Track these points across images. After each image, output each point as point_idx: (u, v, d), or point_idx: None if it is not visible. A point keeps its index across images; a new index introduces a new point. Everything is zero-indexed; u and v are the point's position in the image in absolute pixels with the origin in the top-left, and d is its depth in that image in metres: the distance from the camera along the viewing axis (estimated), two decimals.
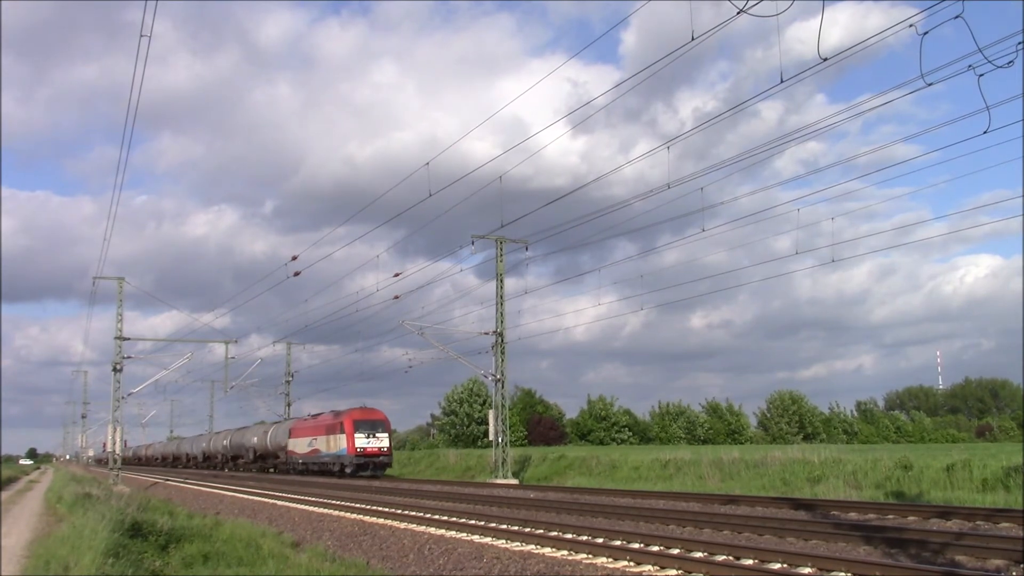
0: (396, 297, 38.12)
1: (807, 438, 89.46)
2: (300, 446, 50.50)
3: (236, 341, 48.56)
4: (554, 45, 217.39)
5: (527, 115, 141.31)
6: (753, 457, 30.39)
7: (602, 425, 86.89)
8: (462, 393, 79.07)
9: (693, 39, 13.82)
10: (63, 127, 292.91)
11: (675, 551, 11.98)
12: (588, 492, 26.15)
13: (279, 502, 25.41)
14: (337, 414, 46.79)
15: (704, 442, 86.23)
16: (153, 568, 12.64)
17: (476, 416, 76.16)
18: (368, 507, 21.35)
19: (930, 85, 13.72)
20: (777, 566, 10.49)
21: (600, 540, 13.23)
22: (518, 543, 13.53)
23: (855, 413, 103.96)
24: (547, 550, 12.62)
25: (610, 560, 11.63)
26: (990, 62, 11.54)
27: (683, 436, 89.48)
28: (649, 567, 10.94)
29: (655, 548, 12.33)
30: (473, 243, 35.39)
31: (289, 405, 62.45)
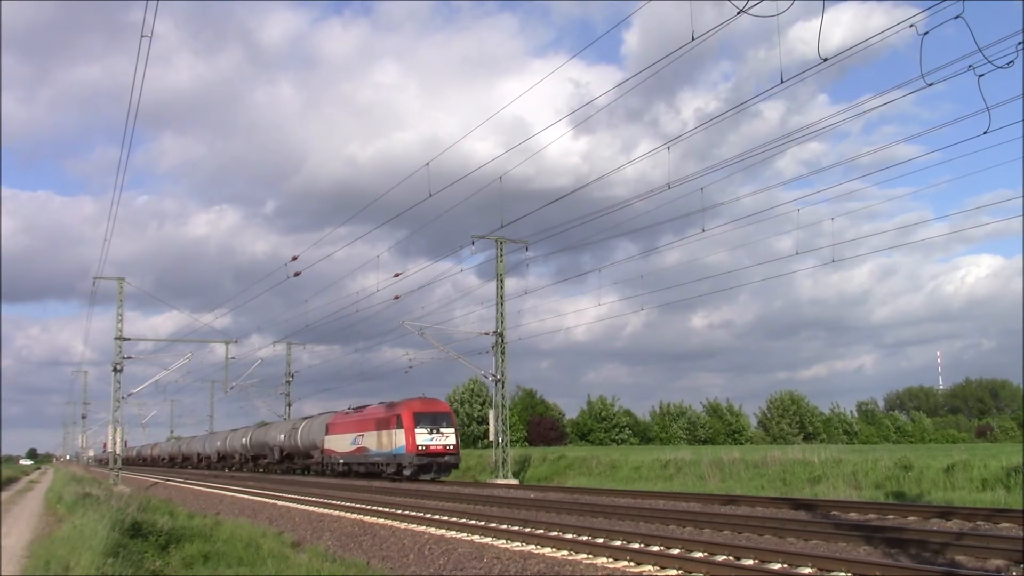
0: (396, 297, 38.13)
1: (807, 438, 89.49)
2: (340, 444, 44.25)
3: (236, 341, 48.60)
4: (556, 45, 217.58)
5: (529, 116, 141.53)
6: (753, 457, 30.40)
7: (602, 425, 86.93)
8: (463, 393, 79.10)
9: (693, 39, 13.82)
10: (65, 127, 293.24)
11: (675, 551, 11.98)
12: (588, 492, 26.14)
13: (279, 502, 25.41)
14: (391, 406, 39.91)
15: (704, 442, 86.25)
16: (153, 568, 12.64)
17: (476, 416, 76.18)
18: (368, 507, 21.35)
19: (930, 85, 13.72)
20: (777, 566, 10.49)
21: (600, 540, 13.23)
22: (518, 543, 13.53)
23: (855, 413, 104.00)
24: (547, 550, 12.62)
25: (610, 560, 11.63)
26: (990, 62, 11.53)
27: (683, 436, 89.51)
28: (649, 567, 10.94)
29: (655, 548, 12.33)
30: (473, 243, 35.41)
31: (289, 405, 62.45)
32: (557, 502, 20.71)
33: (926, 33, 11.92)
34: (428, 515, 18.54)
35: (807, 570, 10.15)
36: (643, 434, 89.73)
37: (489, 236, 35.88)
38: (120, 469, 41.86)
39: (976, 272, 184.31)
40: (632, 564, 11.21)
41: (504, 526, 15.63)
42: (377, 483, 36.92)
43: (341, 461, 44.19)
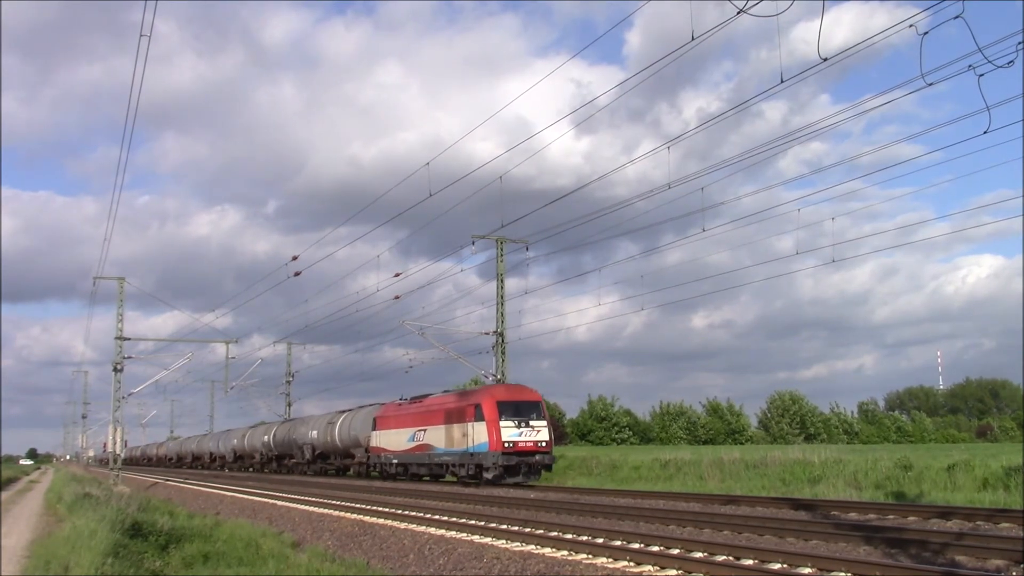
0: (396, 297, 38.12)
1: (808, 438, 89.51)
2: (393, 441, 37.46)
3: (236, 341, 48.61)
4: (559, 46, 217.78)
5: (532, 116, 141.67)
6: (753, 457, 30.40)
7: (602, 425, 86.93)
8: None
9: (693, 39, 13.82)
10: (66, 127, 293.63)
11: (675, 551, 11.97)
12: (588, 492, 26.14)
13: (279, 502, 25.41)
14: (466, 394, 34.25)
15: (705, 442, 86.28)
16: (153, 568, 12.65)
17: None
18: (368, 507, 21.35)
19: (930, 85, 13.72)
20: (777, 566, 10.49)
21: (600, 540, 13.22)
22: (518, 543, 13.53)
23: (855, 413, 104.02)
24: (547, 550, 12.61)
25: (610, 560, 11.63)
26: (990, 62, 11.53)
27: (683, 436, 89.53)
28: (649, 567, 10.94)
29: (655, 548, 12.33)
30: (473, 243, 35.39)
31: (290, 405, 62.43)
32: (557, 502, 20.71)
33: (926, 33, 11.92)
34: (428, 515, 18.54)
35: (807, 570, 10.15)
36: (643, 434, 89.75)
37: (489, 236, 35.90)
38: (120, 469, 41.85)
39: (977, 272, 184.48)
40: (632, 564, 11.21)
41: (504, 526, 15.63)
42: (377, 483, 36.82)
43: (394, 461, 37.23)
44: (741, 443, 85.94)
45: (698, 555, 11.53)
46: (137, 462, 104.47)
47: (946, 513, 15.43)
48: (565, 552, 12.41)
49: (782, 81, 14.88)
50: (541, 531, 14.79)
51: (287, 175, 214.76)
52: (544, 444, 30.49)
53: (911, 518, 15.26)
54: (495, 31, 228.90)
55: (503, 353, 36.58)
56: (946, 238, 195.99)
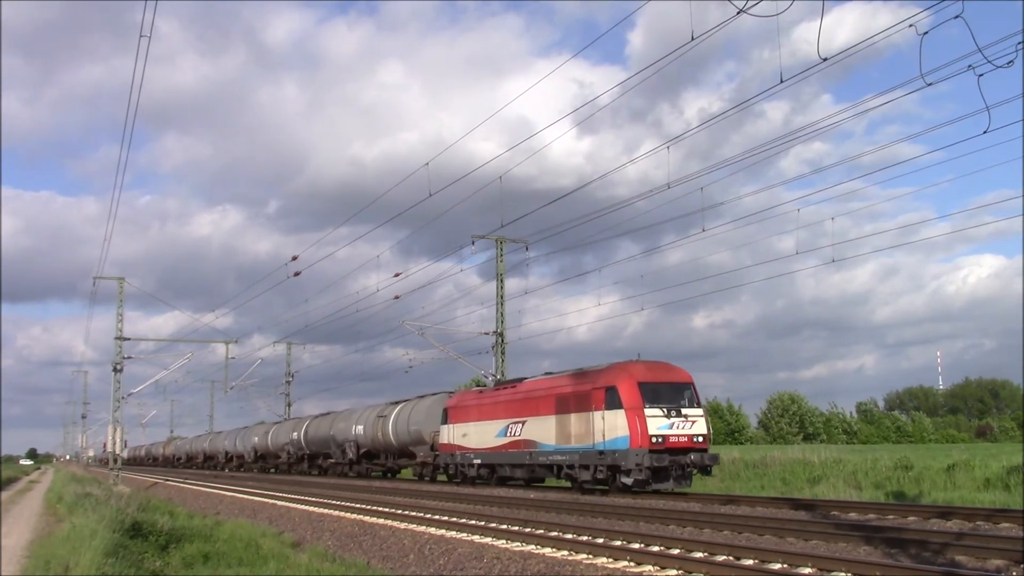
0: (396, 297, 38.08)
1: (807, 438, 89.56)
2: (475, 436, 30.25)
3: (236, 341, 48.59)
4: (561, 46, 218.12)
5: (534, 117, 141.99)
6: (753, 457, 30.42)
7: None
8: None
9: (693, 39, 13.83)
10: (68, 127, 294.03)
11: (675, 551, 11.97)
12: (588, 492, 26.13)
13: (279, 502, 25.41)
14: (586, 375, 25.26)
15: None
16: (153, 568, 12.65)
17: None
18: (368, 507, 21.36)
19: (930, 85, 13.72)
20: (777, 566, 10.49)
21: (600, 540, 13.22)
22: (518, 543, 13.52)
23: (855, 413, 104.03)
24: (547, 550, 12.61)
25: (610, 560, 11.63)
26: (990, 62, 11.54)
27: None
28: (649, 567, 10.94)
29: (655, 548, 12.32)
30: (473, 243, 35.37)
31: (289, 405, 62.45)
32: (557, 502, 20.70)
33: (926, 33, 11.93)
34: (428, 515, 18.54)
35: (807, 570, 10.15)
36: None
37: (489, 236, 35.91)
38: (120, 469, 41.84)
39: (978, 272, 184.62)
40: (632, 564, 11.21)
41: (504, 526, 15.62)
42: (377, 483, 36.63)
43: (476, 462, 30.01)
44: (741, 443, 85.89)
45: (698, 555, 11.52)
46: (141, 462, 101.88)
47: (946, 513, 15.43)
48: (565, 552, 12.41)
49: (782, 81, 14.89)
50: (541, 531, 14.79)
51: (288, 175, 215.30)
52: (701, 439, 23.20)
53: (911, 518, 15.26)
54: (497, 31, 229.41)
55: (503, 353, 36.59)
56: (947, 238, 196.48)
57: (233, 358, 50.70)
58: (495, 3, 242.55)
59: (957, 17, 11.56)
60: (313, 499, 25.32)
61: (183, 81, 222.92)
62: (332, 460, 44.19)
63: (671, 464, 22.45)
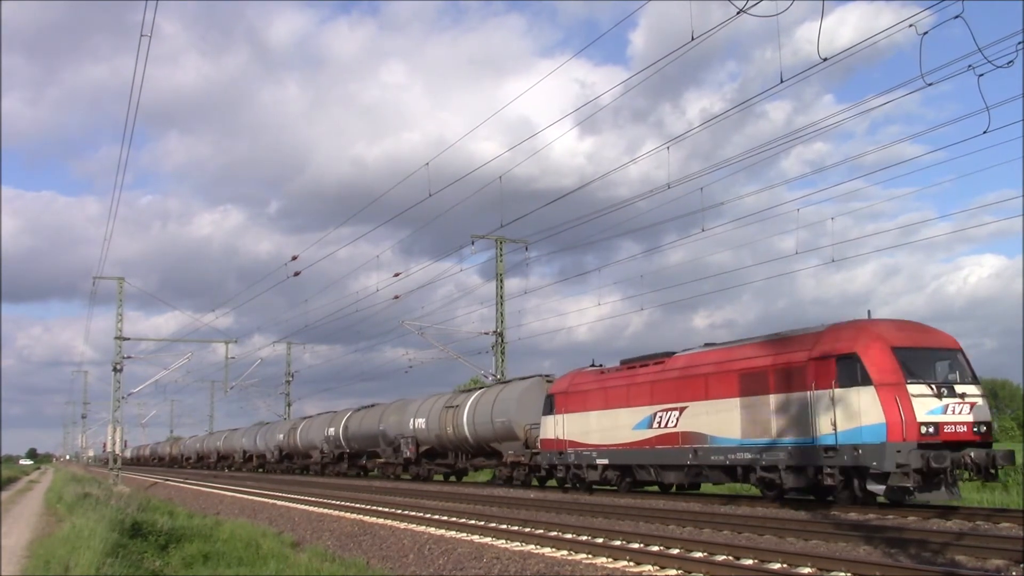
0: (396, 297, 38.06)
1: None
2: (599, 429, 23.51)
3: (236, 341, 48.57)
4: (563, 46, 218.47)
5: (536, 117, 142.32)
6: None
7: None
8: None
9: (693, 39, 13.83)
10: (70, 127, 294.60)
11: (675, 551, 11.97)
12: (588, 492, 26.13)
13: (279, 502, 25.41)
14: (787, 340, 18.75)
15: None
16: (153, 568, 12.66)
17: None
18: (368, 507, 21.36)
19: (930, 85, 13.72)
20: (777, 566, 10.49)
21: (600, 540, 13.22)
22: (518, 543, 13.53)
23: None
24: (547, 550, 12.62)
25: (610, 560, 11.63)
26: (990, 62, 11.56)
27: None
28: (649, 567, 10.95)
29: (655, 548, 12.33)
30: (473, 243, 35.36)
31: (289, 405, 62.51)
32: (557, 502, 20.70)
33: (926, 33, 11.93)
34: (428, 515, 18.54)
35: (807, 570, 10.15)
36: None
37: (489, 236, 35.92)
38: (120, 469, 41.84)
39: (979, 272, 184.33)
40: (632, 564, 11.22)
41: (504, 526, 15.63)
42: (385, 484, 36.46)
43: (601, 461, 23.28)
44: None
45: (698, 555, 11.53)
46: (146, 462, 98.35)
47: (946, 513, 15.42)
48: (565, 552, 12.42)
49: (782, 81, 14.89)
50: (541, 531, 14.79)
51: (290, 175, 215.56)
52: (984, 428, 16.70)
53: (911, 518, 15.25)
54: (500, 31, 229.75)
55: (503, 353, 36.59)
56: (947, 238, 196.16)
57: (233, 358, 50.72)
58: (497, 3, 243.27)
59: (957, 17, 11.58)
60: (313, 499, 25.32)
61: (185, 81, 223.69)
62: (382, 460, 38.18)
63: (949, 462, 15.73)
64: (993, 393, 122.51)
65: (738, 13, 11.57)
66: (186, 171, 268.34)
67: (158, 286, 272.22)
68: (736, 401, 19.13)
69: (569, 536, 13.98)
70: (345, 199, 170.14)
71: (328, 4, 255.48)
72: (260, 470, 56.76)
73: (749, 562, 10.96)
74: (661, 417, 21.20)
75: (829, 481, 16.98)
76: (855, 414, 16.39)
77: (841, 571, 9.88)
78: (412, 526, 16.58)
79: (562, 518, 17.35)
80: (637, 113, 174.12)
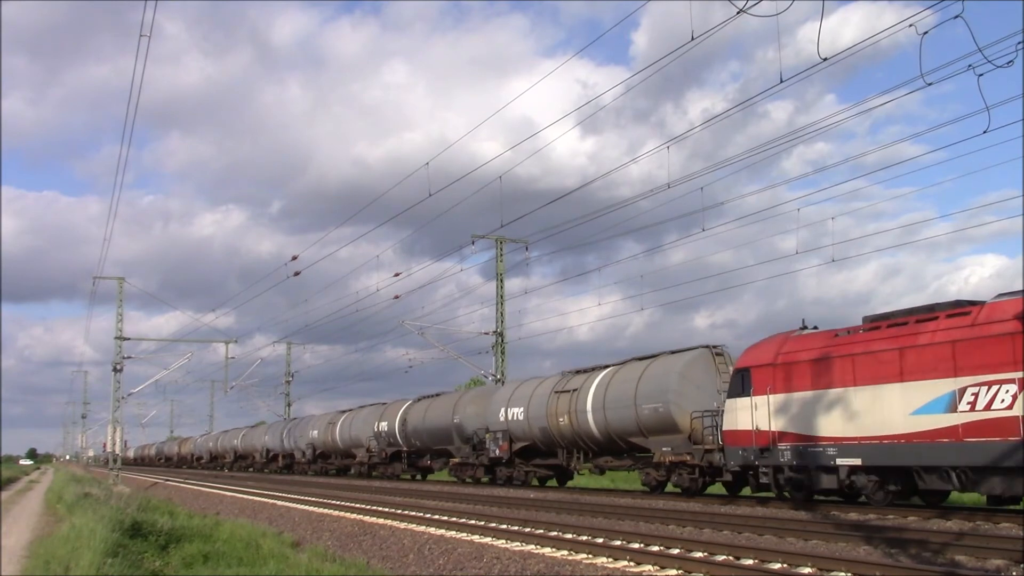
0: (396, 297, 38.06)
1: None
2: (841, 415, 16.72)
3: (236, 341, 48.59)
4: (566, 46, 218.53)
5: (539, 117, 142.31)
6: None
7: None
8: None
9: (693, 39, 13.83)
10: (73, 128, 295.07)
11: (675, 551, 11.98)
12: (588, 492, 26.14)
13: (279, 502, 25.41)
14: None
15: None
16: (153, 568, 12.66)
17: None
18: (368, 507, 21.36)
19: (930, 84, 13.71)
20: (777, 566, 10.49)
21: (600, 540, 13.22)
22: (518, 543, 13.53)
23: None
24: (547, 550, 12.62)
25: (610, 560, 11.63)
26: (990, 62, 11.56)
27: None
28: (649, 567, 10.95)
29: (655, 548, 12.33)
30: (474, 243, 35.38)
31: (289, 405, 62.52)
32: (557, 502, 20.70)
33: (926, 33, 11.93)
34: (428, 515, 18.55)
35: (807, 570, 10.15)
36: None
37: (489, 236, 35.92)
38: (119, 469, 41.83)
39: (980, 272, 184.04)
40: (632, 564, 11.22)
41: (504, 526, 15.63)
42: (376, 483, 36.43)
43: (846, 462, 16.70)
44: None
45: (698, 555, 11.53)
46: (151, 462, 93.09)
47: (946, 513, 15.41)
48: (565, 552, 12.41)
49: (782, 81, 14.89)
50: (541, 531, 14.79)
51: (292, 175, 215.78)
52: None
53: (911, 518, 15.25)
54: (502, 31, 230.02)
55: (503, 353, 36.59)
56: (948, 238, 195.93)
57: (233, 358, 50.73)
58: (500, 3, 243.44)
59: (957, 17, 11.58)
60: (313, 499, 25.32)
61: (188, 81, 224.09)
62: (457, 460, 32.01)
63: None
64: None
65: (738, 13, 11.57)
66: (188, 171, 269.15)
67: (159, 286, 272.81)
68: None
69: (569, 536, 13.98)
70: (347, 199, 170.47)
71: (331, 4, 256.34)
72: (284, 471, 51.60)
73: (749, 562, 10.96)
74: (976, 395, 14.49)
75: None
76: None
77: (841, 571, 9.88)
78: (412, 526, 16.58)
79: (562, 518, 17.35)
80: (639, 113, 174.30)
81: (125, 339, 41.46)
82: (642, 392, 22.44)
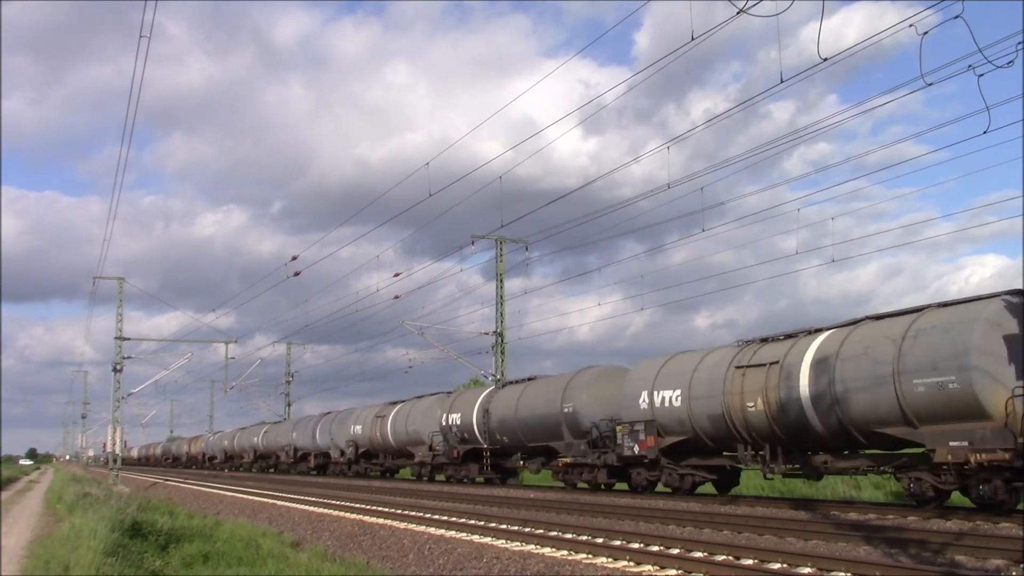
0: (396, 297, 38.05)
1: None
2: None
3: (236, 341, 48.59)
4: (568, 46, 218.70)
5: (541, 118, 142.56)
6: None
7: None
8: None
9: (693, 39, 13.84)
10: (75, 128, 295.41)
11: (675, 551, 11.98)
12: (588, 492, 26.13)
13: (279, 502, 25.40)
14: None
15: None
16: (153, 568, 12.67)
17: None
18: (368, 507, 21.36)
19: (930, 84, 13.72)
20: (777, 566, 10.49)
21: (600, 540, 13.22)
22: (518, 543, 13.53)
23: None
24: (547, 550, 12.62)
25: (610, 560, 11.63)
26: (990, 62, 11.56)
27: None
28: (649, 567, 10.94)
29: (655, 548, 12.33)
30: (473, 243, 35.39)
31: (289, 405, 62.50)
32: (557, 502, 20.70)
33: (926, 33, 11.93)
34: (428, 515, 18.55)
35: (807, 570, 10.15)
36: None
37: (489, 236, 35.92)
38: (119, 469, 41.82)
39: (981, 272, 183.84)
40: (632, 564, 11.22)
41: (504, 526, 15.63)
42: (377, 483, 36.45)
43: None
44: None
45: (698, 555, 11.53)
46: (157, 462, 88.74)
47: (946, 513, 15.41)
48: (565, 552, 12.41)
49: (782, 81, 14.89)
50: (541, 531, 14.79)
51: (294, 175, 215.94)
52: None
53: (911, 518, 15.24)
54: (504, 31, 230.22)
55: (503, 353, 36.60)
56: (950, 238, 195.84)
57: (233, 358, 50.72)
58: (502, 3, 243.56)
59: (957, 17, 11.58)
60: (313, 499, 25.32)
61: (190, 81, 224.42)
62: (567, 459, 25.18)
63: None
64: None
65: (738, 13, 11.57)
66: (189, 171, 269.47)
67: (160, 286, 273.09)
68: None
69: (569, 536, 13.97)
70: (348, 199, 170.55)
71: (333, 4, 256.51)
72: (315, 472, 46.20)
73: (749, 562, 10.96)
74: None
75: None
76: None
77: (841, 571, 9.88)
78: (412, 526, 16.57)
79: (562, 518, 17.35)
80: (641, 114, 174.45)
81: (125, 339, 41.46)
82: (912, 359, 15.32)
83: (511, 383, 30.30)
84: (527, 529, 15.12)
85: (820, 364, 17.06)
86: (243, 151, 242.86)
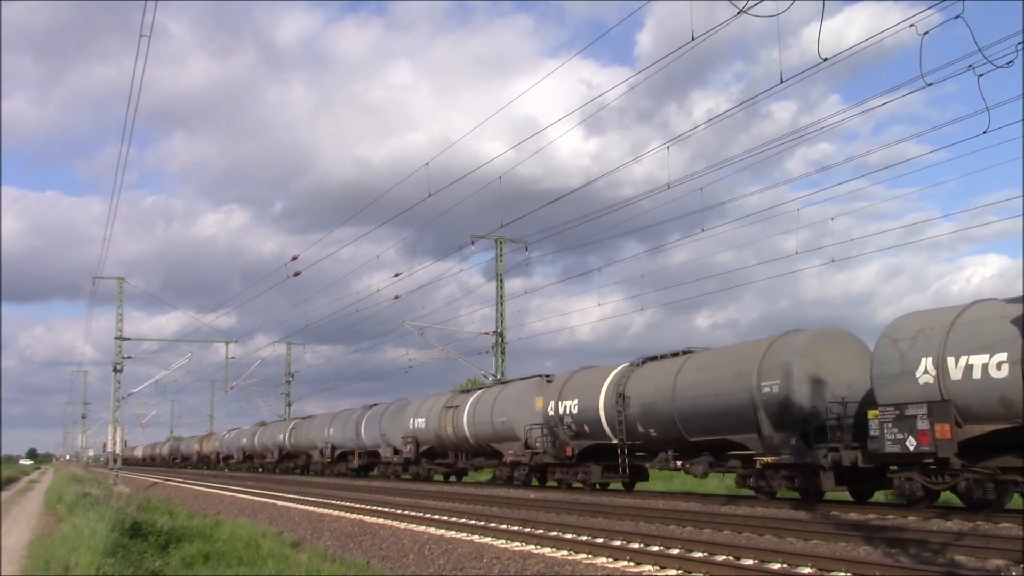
0: (396, 297, 38.06)
1: None
2: None
3: (236, 341, 48.61)
4: (570, 46, 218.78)
5: (543, 118, 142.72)
6: None
7: None
8: None
9: (693, 39, 13.84)
10: (76, 128, 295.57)
11: (675, 551, 11.97)
12: (588, 492, 26.12)
13: (279, 502, 25.40)
14: None
15: None
16: (153, 568, 12.67)
17: None
18: (368, 507, 21.36)
19: (930, 85, 13.72)
20: (777, 566, 10.49)
21: (600, 540, 13.22)
22: (518, 543, 13.53)
23: None
24: (547, 550, 12.61)
25: (610, 560, 11.63)
26: (990, 62, 11.56)
27: None
28: (649, 567, 10.94)
29: (655, 548, 12.33)
30: (473, 243, 35.41)
31: (289, 405, 62.51)
32: (557, 502, 20.70)
33: (926, 33, 11.94)
34: (428, 515, 18.54)
35: (807, 570, 10.15)
36: None
37: (488, 236, 35.93)
38: (119, 469, 41.82)
39: (982, 272, 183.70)
40: (632, 564, 11.21)
41: (504, 526, 15.63)
42: (385, 484, 36.51)
43: None
44: None
45: (698, 555, 11.53)
46: (164, 463, 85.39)
47: (946, 513, 15.41)
48: (565, 552, 12.41)
49: (782, 81, 14.89)
50: (541, 531, 14.79)
51: (295, 175, 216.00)
52: None
53: (911, 518, 15.25)
54: (507, 31, 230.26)
55: (503, 353, 36.60)
56: (951, 237, 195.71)
57: (233, 358, 50.74)
58: (504, 3, 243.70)
59: (957, 17, 11.58)
60: (313, 499, 25.32)
61: (191, 81, 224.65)
62: (767, 457, 18.43)
63: None
64: None
65: (738, 13, 11.58)
66: (191, 171, 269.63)
67: (161, 286, 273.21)
68: None
69: (569, 536, 13.97)
70: (349, 199, 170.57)
71: (336, 4, 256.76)
72: (358, 474, 40.84)
73: (749, 562, 10.96)
74: None
75: None
76: None
77: (841, 571, 9.88)
78: (412, 526, 16.58)
79: (562, 518, 17.35)
80: (643, 114, 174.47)
81: (125, 339, 41.46)
82: None
83: (652, 359, 22.96)
84: (527, 529, 15.11)
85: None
86: (244, 151, 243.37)
